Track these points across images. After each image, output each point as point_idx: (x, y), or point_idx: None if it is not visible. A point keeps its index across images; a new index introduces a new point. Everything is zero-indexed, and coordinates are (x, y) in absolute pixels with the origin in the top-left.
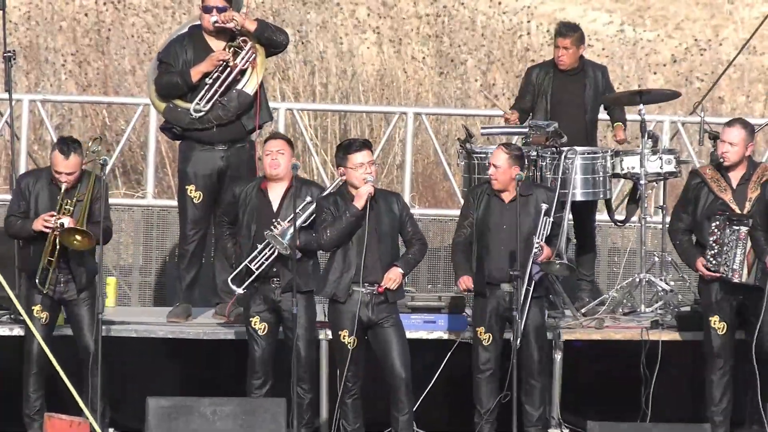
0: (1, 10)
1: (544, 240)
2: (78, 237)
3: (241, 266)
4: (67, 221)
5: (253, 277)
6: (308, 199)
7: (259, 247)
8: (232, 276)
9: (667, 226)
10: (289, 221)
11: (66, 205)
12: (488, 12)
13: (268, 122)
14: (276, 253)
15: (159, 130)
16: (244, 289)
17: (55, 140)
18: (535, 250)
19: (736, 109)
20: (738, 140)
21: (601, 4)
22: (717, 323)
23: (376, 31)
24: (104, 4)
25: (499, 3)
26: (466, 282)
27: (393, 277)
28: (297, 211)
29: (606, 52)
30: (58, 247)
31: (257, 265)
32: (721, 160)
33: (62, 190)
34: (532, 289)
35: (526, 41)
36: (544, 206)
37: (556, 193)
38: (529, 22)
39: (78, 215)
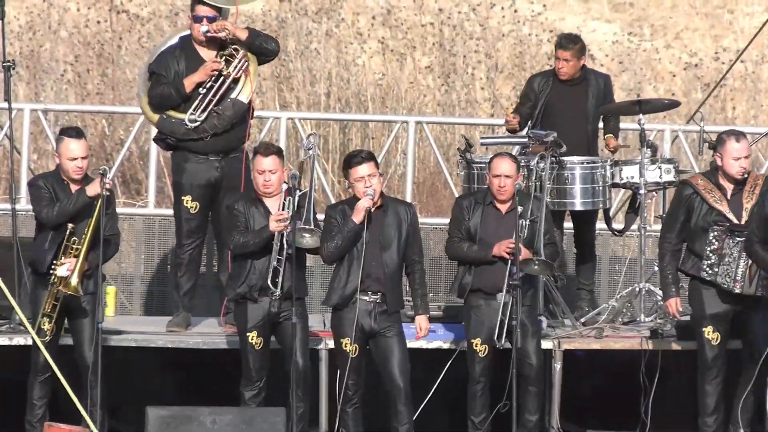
0: (0, 19)
1: (523, 243)
2: (74, 285)
3: (271, 271)
4: (64, 271)
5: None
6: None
7: (275, 245)
8: (270, 280)
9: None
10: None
11: (74, 244)
12: (490, 21)
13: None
14: (285, 250)
15: (153, 140)
16: (281, 292)
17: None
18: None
19: (737, 118)
20: (749, 151)
21: (601, 14)
22: (711, 333)
23: (380, 41)
24: (115, 12)
25: (503, 15)
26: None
27: (426, 326)
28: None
29: (605, 62)
30: (59, 300)
31: (276, 260)
32: (744, 175)
33: (67, 232)
34: (520, 292)
35: (526, 51)
36: (520, 209)
37: (532, 196)
38: (532, 34)
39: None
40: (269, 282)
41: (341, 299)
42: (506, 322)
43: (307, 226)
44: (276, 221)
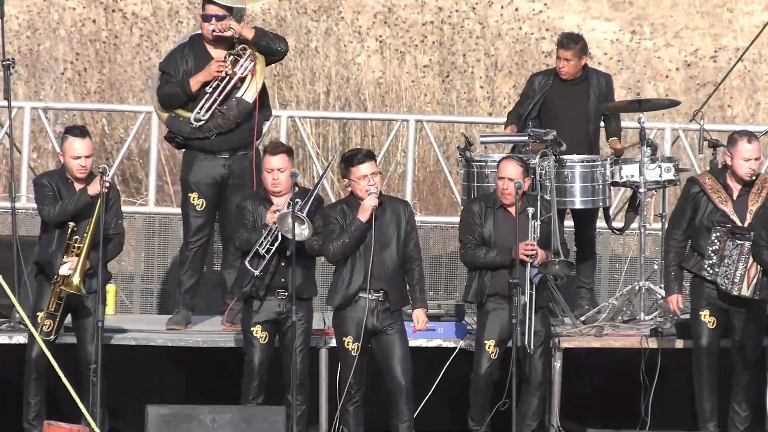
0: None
1: (537, 243)
2: (77, 284)
3: (252, 250)
4: (66, 270)
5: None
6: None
7: (264, 232)
8: (249, 259)
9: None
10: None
11: (76, 243)
12: (490, 20)
13: (268, 120)
14: (279, 237)
15: (164, 139)
16: (260, 272)
17: (57, 148)
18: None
19: (736, 117)
20: (760, 153)
21: (600, 12)
22: (707, 317)
23: (379, 39)
24: (110, 11)
25: (501, 14)
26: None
27: (423, 319)
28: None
29: (605, 61)
30: (62, 299)
31: (265, 249)
32: (753, 177)
33: (69, 231)
34: (534, 294)
35: (526, 49)
36: (531, 210)
37: (539, 197)
38: (532, 33)
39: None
40: (246, 263)
41: (344, 299)
42: (531, 325)
43: (299, 214)
44: (271, 213)
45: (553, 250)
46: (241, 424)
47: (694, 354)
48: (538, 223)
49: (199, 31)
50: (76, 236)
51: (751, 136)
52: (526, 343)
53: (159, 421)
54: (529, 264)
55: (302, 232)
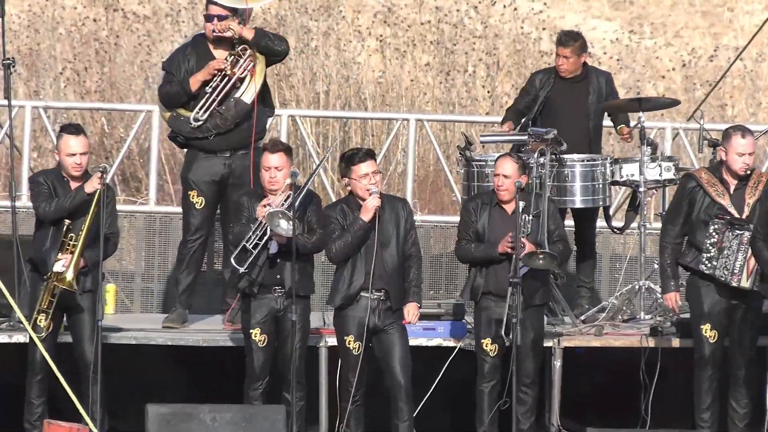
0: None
1: (526, 238)
2: (69, 280)
3: (240, 246)
4: (60, 267)
5: (252, 258)
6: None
7: (253, 226)
8: (234, 255)
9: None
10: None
11: (70, 240)
12: (491, 19)
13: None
14: (267, 233)
15: (167, 138)
16: (246, 269)
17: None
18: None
19: (737, 117)
20: (754, 148)
21: (601, 12)
22: (708, 331)
23: (380, 39)
24: (111, 10)
25: (502, 13)
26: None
27: (415, 312)
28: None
29: (605, 60)
30: (55, 296)
31: (252, 244)
32: (747, 171)
33: (64, 228)
34: (521, 287)
35: (526, 49)
36: (522, 204)
37: (533, 194)
38: (532, 32)
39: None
40: (232, 259)
41: (346, 299)
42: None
43: (286, 212)
44: (261, 207)
45: (538, 242)
46: (241, 423)
47: (695, 366)
48: (530, 217)
49: (203, 32)
50: (72, 234)
51: (745, 131)
52: (510, 334)
53: (159, 420)
54: (514, 257)
55: (287, 229)
